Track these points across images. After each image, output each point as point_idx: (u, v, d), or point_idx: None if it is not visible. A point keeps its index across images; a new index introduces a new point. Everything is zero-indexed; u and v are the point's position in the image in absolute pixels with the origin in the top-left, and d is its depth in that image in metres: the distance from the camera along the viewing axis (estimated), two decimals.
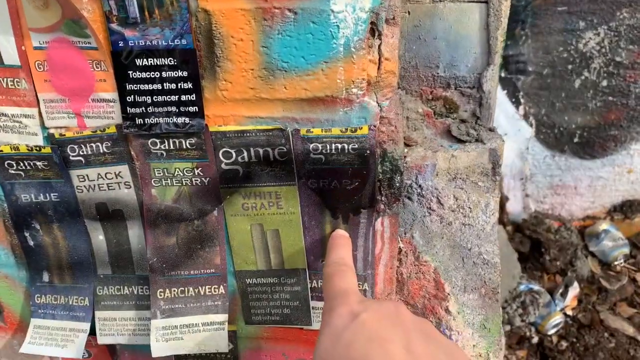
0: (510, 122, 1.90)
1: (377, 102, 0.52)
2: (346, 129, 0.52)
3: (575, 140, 1.90)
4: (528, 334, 1.73)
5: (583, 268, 1.88)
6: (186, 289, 0.59)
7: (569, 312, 1.76)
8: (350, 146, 0.53)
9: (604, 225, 1.93)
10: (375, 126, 0.52)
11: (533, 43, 1.78)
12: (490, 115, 0.68)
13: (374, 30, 0.49)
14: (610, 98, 1.80)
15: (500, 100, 1.85)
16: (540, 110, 1.87)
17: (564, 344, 1.70)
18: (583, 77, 1.79)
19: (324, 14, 0.47)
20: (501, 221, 1.98)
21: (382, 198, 0.57)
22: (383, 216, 0.58)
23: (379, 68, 0.51)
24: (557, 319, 1.70)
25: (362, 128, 0.52)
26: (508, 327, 1.70)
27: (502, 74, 1.82)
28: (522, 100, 1.85)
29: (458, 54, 0.64)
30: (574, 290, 1.78)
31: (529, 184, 2.01)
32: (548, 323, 1.70)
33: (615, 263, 1.89)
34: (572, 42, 1.75)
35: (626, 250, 1.90)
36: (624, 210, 2.01)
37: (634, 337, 1.67)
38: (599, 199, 2.01)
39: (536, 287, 1.80)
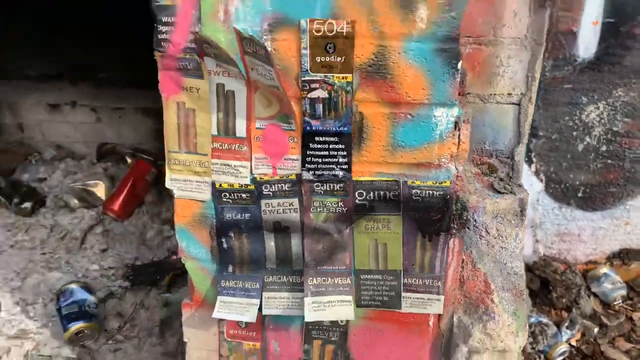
0: (524, 177, 2.25)
1: (455, 167, 0.88)
2: (436, 182, 0.88)
3: (579, 195, 2.23)
4: None
5: (586, 306, 2.17)
6: (327, 278, 0.93)
7: (574, 343, 2.04)
8: (437, 192, 0.89)
9: (604, 270, 2.23)
10: (453, 181, 0.88)
11: (544, 113, 2.14)
12: (519, 176, 1.04)
13: (456, 125, 0.86)
14: (609, 161, 2.15)
15: None
16: (549, 168, 2.21)
17: None
18: (585, 142, 2.14)
19: (429, 118, 0.84)
20: None
21: (454, 225, 0.92)
22: (454, 238, 0.93)
23: (458, 147, 0.88)
24: (563, 348, 1.96)
25: (446, 182, 0.88)
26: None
27: None
28: (534, 160, 2.20)
29: (499, 136, 1.01)
30: (580, 326, 2.06)
31: (538, 230, 2.33)
32: (555, 351, 1.96)
33: (615, 303, 2.17)
34: (577, 113, 2.11)
35: (624, 292, 2.18)
36: (621, 257, 2.32)
37: None
38: (600, 246, 2.32)
39: (545, 320, 2.09)
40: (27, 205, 1.92)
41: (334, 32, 0.80)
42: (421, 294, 0.96)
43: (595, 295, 2.22)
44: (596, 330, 2.14)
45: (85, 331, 1.50)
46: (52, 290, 1.68)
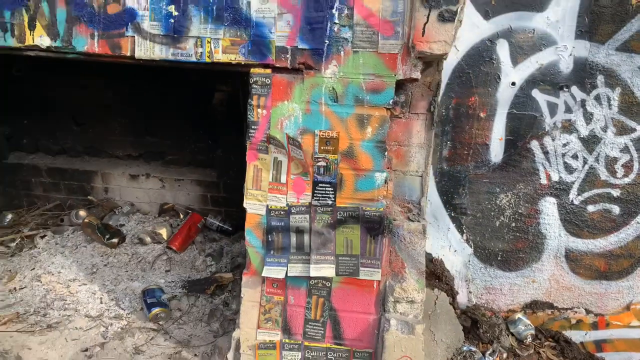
0: (458, 244, 3.10)
1: (385, 201, 1.84)
2: (376, 209, 1.83)
3: (499, 258, 3.05)
4: None
5: (505, 341, 2.97)
6: (322, 256, 1.84)
7: None
8: (377, 214, 1.83)
9: (518, 315, 2.99)
10: (385, 209, 1.83)
11: (470, 198, 2.99)
12: (422, 213, 1.99)
13: (386, 181, 1.83)
14: (518, 234, 3.02)
15: (452, 230, 3.09)
16: (476, 237, 3.05)
17: None
18: (500, 220, 3.01)
19: (373, 177, 1.82)
20: (453, 306, 3.10)
21: (386, 232, 1.85)
22: (386, 238, 1.86)
23: (386, 192, 1.84)
24: None
25: (381, 209, 1.83)
26: None
27: (453, 214, 3.08)
28: (465, 231, 3.08)
29: (412, 192, 1.98)
30: (500, 354, 2.82)
31: (471, 284, 3.13)
32: None
33: (526, 340, 2.94)
34: (493, 199, 3.00)
35: (533, 332, 2.94)
36: (531, 306, 3.12)
37: None
38: (516, 298, 3.11)
39: (473, 348, 2.88)
40: (115, 240, 2.81)
41: (330, 136, 1.80)
42: (369, 268, 1.87)
43: (512, 334, 3.00)
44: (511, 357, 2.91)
45: (161, 314, 2.34)
46: (134, 292, 2.52)
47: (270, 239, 1.89)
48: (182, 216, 3.08)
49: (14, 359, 2.05)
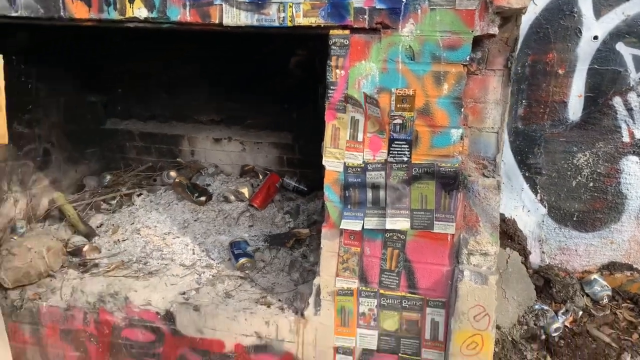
0: (532, 204, 3.09)
1: (461, 158, 1.89)
2: (451, 165, 1.89)
3: (574, 219, 3.03)
4: (539, 333, 2.76)
5: (579, 302, 2.95)
6: (397, 211, 1.94)
7: (567, 324, 2.78)
8: (452, 170, 1.89)
9: (594, 276, 2.96)
10: (460, 165, 1.89)
11: (546, 157, 2.98)
12: (497, 170, 2.02)
13: (462, 138, 1.88)
14: (596, 194, 2.96)
15: (526, 190, 3.08)
16: (551, 198, 3.06)
17: (562, 342, 2.73)
18: (577, 179, 2.97)
19: (449, 133, 1.87)
20: (525, 265, 3.10)
21: (461, 187, 1.91)
22: (460, 193, 1.92)
23: (462, 148, 1.89)
24: (558, 325, 2.69)
25: (457, 165, 1.89)
26: (525, 328, 2.78)
27: (527, 174, 3.05)
28: (539, 191, 3.06)
29: (487, 149, 2.01)
30: (573, 313, 2.79)
31: (544, 245, 3.11)
32: (551, 327, 2.69)
33: (602, 301, 2.91)
34: (570, 159, 2.96)
35: (609, 293, 2.90)
36: (608, 268, 3.06)
37: (609, 343, 2.69)
38: (592, 259, 3.06)
39: (546, 307, 2.87)
40: (203, 198, 3.05)
41: (406, 94, 1.86)
42: (444, 222, 1.94)
43: (587, 295, 2.97)
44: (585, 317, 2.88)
45: (247, 264, 2.55)
46: (222, 245, 2.75)
47: (347, 194, 2.01)
48: (261, 177, 3.28)
49: (123, 299, 2.34)
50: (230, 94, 3.27)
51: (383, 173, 1.96)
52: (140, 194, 3.18)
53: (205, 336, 2.28)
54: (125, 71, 3.34)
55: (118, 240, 2.84)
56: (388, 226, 1.95)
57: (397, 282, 2.05)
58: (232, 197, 3.07)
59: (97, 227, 3.02)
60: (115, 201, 3.17)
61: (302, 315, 2.19)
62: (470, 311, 1.94)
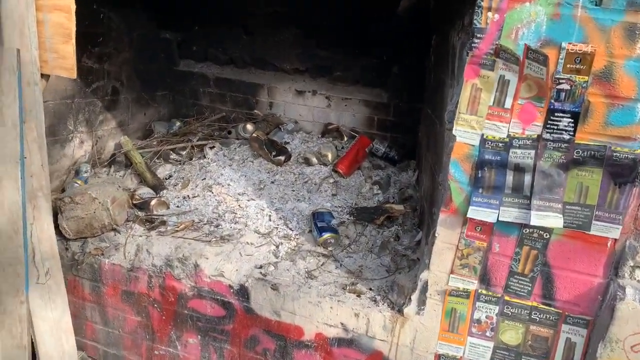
0: None
1: None
2: (630, 150, 1.42)
3: None
4: None
5: None
6: (546, 202, 1.51)
7: None
8: (630, 156, 1.43)
9: None
10: None
11: None
12: None
13: None
14: None
15: None
16: None
17: None
18: None
19: (634, 108, 1.39)
20: None
21: (637, 180, 1.45)
22: (636, 188, 1.46)
23: None
24: None
25: (637, 150, 1.42)
26: None
27: None
28: None
29: None
30: None
31: None
32: None
33: None
34: None
35: None
36: None
37: None
38: None
39: None
40: (281, 157, 2.71)
41: (582, 51, 1.39)
42: (605, 223, 1.50)
43: None
44: None
45: (331, 240, 2.20)
46: (302, 213, 2.42)
47: (480, 175, 1.59)
48: (345, 138, 2.89)
49: (193, 266, 2.06)
50: (319, 40, 2.85)
51: (532, 152, 1.52)
52: (213, 147, 2.87)
53: (283, 319, 1.98)
54: (204, 6, 2.97)
55: (188, 196, 2.56)
56: (533, 221, 1.52)
57: (529, 289, 1.65)
58: (314, 160, 2.71)
59: (165, 178, 2.75)
60: (185, 152, 2.88)
61: (400, 311, 1.83)
62: (628, 340, 1.51)
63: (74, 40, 1.93)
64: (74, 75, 1.99)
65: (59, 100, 2.51)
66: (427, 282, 1.76)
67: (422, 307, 1.79)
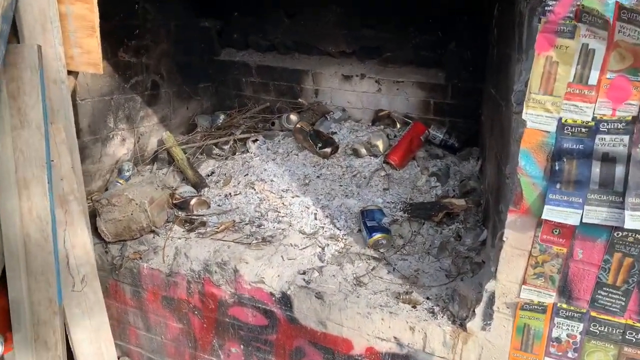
0: None
1: None
2: None
3: None
4: None
5: None
6: None
7: None
8: None
9: None
10: None
11: None
12: None
13: None
14: None
15: None
16: None
17: None
18: None
19: None
20: None
21: None
22: None
23: None
24: None
25: None
26: None
27: None
28: None
29: None
30: None
31: None
32: None
33: None
34: None
35: None
36: None
37: None
38: None
39: None
40: (327, 149, 2.50)
41: None
42: None
43: None
44: None
45: (383, 241, 1.98)
46: (350, 211, 2.20)
47: (557, 167, 1.30)
48: (398, 125, 2.63)
49: (232, 272, 1.91)
50: (366, 18, 2.59)
51: (626, 138, 1.22)
52: (256, 140, 2.71)
53: (329, 331, 1.79)
54: None
55: (229, 194, 2.41)
56: (628, 224, 1.23)
57: (623, 304, 1.35)
58: (363, 151, 2.48)
59: (208, 175, 2.62)
60: (227, 146, 2.74)
61: (463, 326, 1.59)
62: None
63: (98, 33, 1.80)
64: (101, 70, 1.87)
65: (97, 98, 2.42)
66: (493, 293, 1.50)
67: (489, 322, 1.53)
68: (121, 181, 2.54)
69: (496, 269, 1.48)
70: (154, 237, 2.18)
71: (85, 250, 1.90)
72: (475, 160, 2.42)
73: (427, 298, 1.73)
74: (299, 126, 2.55)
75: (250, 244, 2.03)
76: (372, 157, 2.47)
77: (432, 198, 2.25)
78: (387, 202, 2.23)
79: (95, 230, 2.16)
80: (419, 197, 2.27)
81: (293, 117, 2.71)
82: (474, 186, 2.22)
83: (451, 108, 2.54)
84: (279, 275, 1.87)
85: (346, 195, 2.29)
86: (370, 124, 2.72)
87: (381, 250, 1.99)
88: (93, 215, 2.16)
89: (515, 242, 1.43)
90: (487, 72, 2.27)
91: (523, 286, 1.45)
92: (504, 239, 1.44)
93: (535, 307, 1.45)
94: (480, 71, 2.33)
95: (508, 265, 1.45)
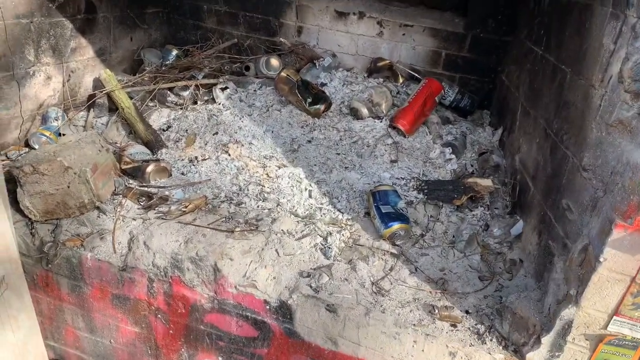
0: None
1: None
2: None
3: None
4: None
5: None
6: None
7: None
8: None
9: None
10: None
11: None
12: None
13: None
14: None
15: None
16: None
17: None
18: None
19: None
20: None
21: None
22: None
23: None
24: None
25: None
26: None
27: None
28: None
29: None
30: None
31: None
32: None
33: None
34: None
35: None
36: None
37: None
38: None
39: None
40: (320, 106, 2.02)
41: None
42: None
43: None
44: None
45: (401, 232, 1.60)
46: (352, 187, 1.79)
47: None
48: (401, 80, 2.19)
49: (211, 271, 1.46)
50: None
51: None
52: (226, 88, 2.16)
53: (341, 350, 1.42)
54: None
55: (195, 158, 1.90)
56: None
57: None
58: (365, 111, 2.03)
59: (163, 130, 2.08)
60: (187, 93, 2.17)
61: (519, 353, 1.28)
62: None
63: None
64: None
65: (10, 20, 1.77)
66: (571, 322, 1.18)
67: (557, 354, 1.23)
68: (47, 133, 1.94)
69: (580, 294, 1.15)
70: (98, 216, 1.66)
71: (3, 242, 1.37)
72: (492, 127, 2.06)
73: (467, 312, 1.39)
74: (285, 75, 2.04)
75: (232, 231, 1.57)
76: (375, 120, 2.03)
77: (448, 173, 1.88)
78: (396, 178, 1.83)
79: (15, 204, 1.61)
80: (432, 172, 1.89)
81: (274, 61, 2.18)
82: (497, 162, 1.87)
83: (465, 62, 2.13)
84: (274, 278, 1.45)
85: (346, 167, 1.86)
86: (366, 75, 2.26)
87: (398, 243, 1.61)
88: (10, 181, 1.59)
89: (617, 265, 1.09)
90: (523, 22, 1.87)
91: (615, 317, 1.14)
92: (601, 259, 1.10)
93: (625, 342, 1.15)
94: (511, 21, 1.92)
95: (600, 292, 1.13)
